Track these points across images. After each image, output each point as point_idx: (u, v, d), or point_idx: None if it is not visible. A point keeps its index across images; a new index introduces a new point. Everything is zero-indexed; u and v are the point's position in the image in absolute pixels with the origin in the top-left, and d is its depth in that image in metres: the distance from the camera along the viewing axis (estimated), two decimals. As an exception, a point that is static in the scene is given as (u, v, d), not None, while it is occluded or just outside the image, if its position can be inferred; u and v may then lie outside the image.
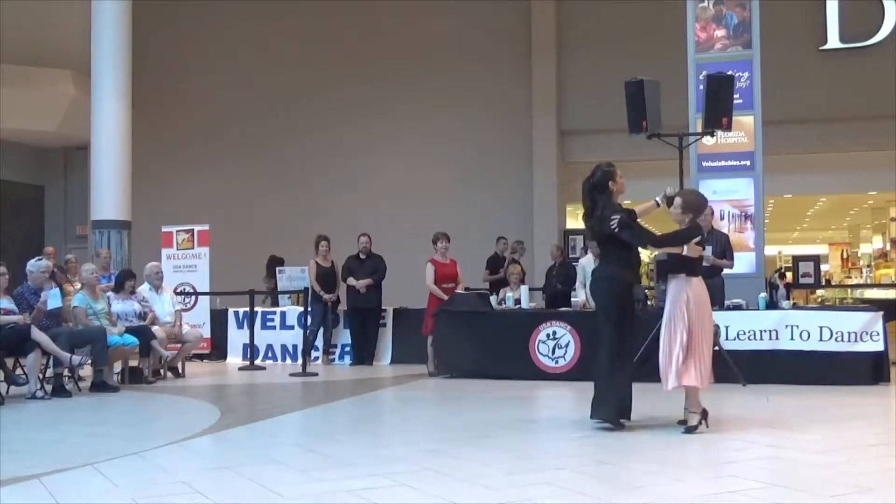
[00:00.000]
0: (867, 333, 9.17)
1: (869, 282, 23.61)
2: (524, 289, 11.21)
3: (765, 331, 9.46)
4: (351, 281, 12.48)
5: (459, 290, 11.36)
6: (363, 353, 12.52)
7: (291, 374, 11.22)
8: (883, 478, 4.91)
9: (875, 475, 5.00)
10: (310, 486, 4.75)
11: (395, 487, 4.66)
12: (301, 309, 12.48)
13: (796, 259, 15.64)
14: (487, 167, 17.64)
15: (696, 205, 6.66)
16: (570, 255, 16.09)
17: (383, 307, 12.74)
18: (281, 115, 18.37)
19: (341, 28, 18.21)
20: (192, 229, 13.62)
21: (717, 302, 9.93)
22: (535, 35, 17.52)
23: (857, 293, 18.90)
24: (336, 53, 18.18)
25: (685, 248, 6.42)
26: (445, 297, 11.11)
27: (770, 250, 16.64)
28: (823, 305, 14.17)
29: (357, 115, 18.04)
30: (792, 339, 9.35)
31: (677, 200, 6.60)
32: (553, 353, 10.11)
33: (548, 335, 10.17)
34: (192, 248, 13.52)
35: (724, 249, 10.43)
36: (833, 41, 16.25)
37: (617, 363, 6.50)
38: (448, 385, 10.01)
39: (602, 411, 6.53)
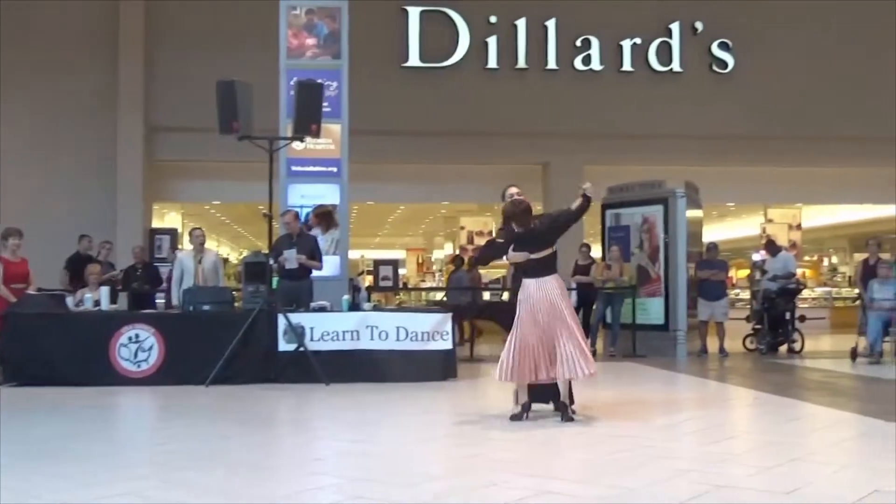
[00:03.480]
0: (438, 333, 9.89)
1: (441, 285, 25.49)
2: (104, 290, 10.64)
3: (347, 331, 9.82)
4: None
5: (31, 291, 10.52)
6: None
7: None
8: (447, 466, 5.35)
9: (443, 463, 5.44)
10: None
11: (-49, 510, 4.19)
12: None
13: (377, 263, 16.51)
14: (69, 163, 16.60)
15: (509, 213, 6.93)
16: (157, 256, 15.62)
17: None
18: None
19: None
20: None
21: (304, 303, 10.19)
22: (123, 32, 16.81)
23: (431, 296, 20.31)
24: None
25: (504, 257, 6.93)
26: (14, 299, 10.22)
27: (353, 254, 17.35)
28: (401, 307, 15.06)
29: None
30: (372, 339, 9.82)
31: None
32: (136, 356, 9.69)
33: (130, 338, 9.72)
34: None
35: (313, 251, 10.72)
36: (414, 59, 17.37)
37: None
38: (17, 394, 9.18)
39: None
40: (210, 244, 25.60)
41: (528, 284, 6.81)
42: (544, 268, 6.88)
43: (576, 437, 6.30)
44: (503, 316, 13.68)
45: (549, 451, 5.96)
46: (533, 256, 6.85)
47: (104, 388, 9.26)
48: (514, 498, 4.35)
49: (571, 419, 6.70)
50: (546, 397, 6.96)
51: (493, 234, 7.29)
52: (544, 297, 6.77)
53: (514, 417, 6.79)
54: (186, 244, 19.31)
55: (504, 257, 6.94)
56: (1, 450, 5.97)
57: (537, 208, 19.24)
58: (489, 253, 7.07)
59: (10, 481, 4.82)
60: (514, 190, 7.29)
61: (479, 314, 14.10)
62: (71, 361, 9.58)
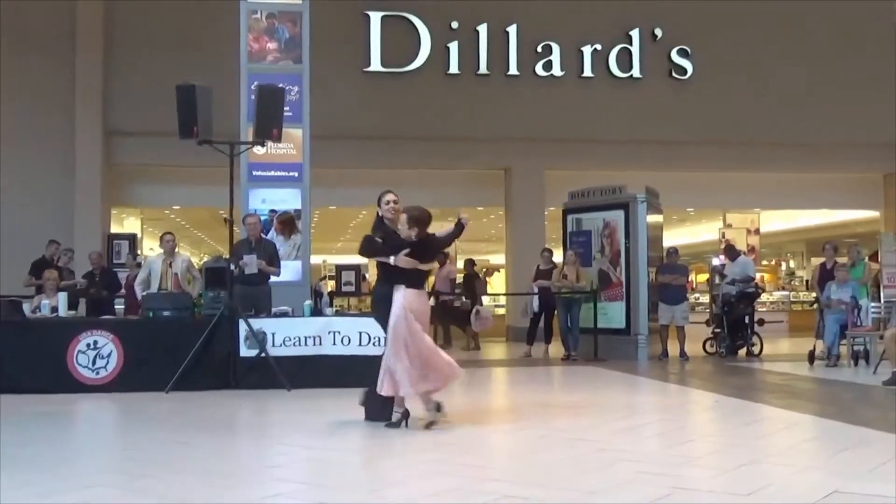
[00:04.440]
0: (402, 338, 9.85)
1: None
2: (62, 296, 10.48)
3: (309, 337, 9.77)
4: None
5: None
6: None
7: None
8: (411, 472, 5.33)
9: (405, 468, 5.43)
10: None
11: None
12: None
13: (339, 268, 16.42)
14: (26, 167, 16.36)
15: (422, 218, 6.90)
16: (116, 261, 15.45)
17: None
18: None
19: None
20: None
21: (265, 309, 10.12)
22: (80, 33, 16.61)
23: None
24: None
25: (392, 259, 6.70)
26: (-31, 306, 10.04)
27: (315, 259, 17.24)
28: (363, 312, 14.97)
29: None
30: (335, 344, 9.77)
31: (402, 217, 6.90)
32: (94, 363, 9.56)
33: (88, 345, 9.59)
34: None
35: (272, 257, 10.65)
36: (375, 64, 17.35)
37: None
38: (-29, 402, 9.03)
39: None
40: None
41: (410, 294, 6.71)
42: (424, 280, 7.02)
43: (537, 440, 6.32)
44: (461, 319, 13.44)
45: (511, 456, 5.97)
46: (421, 267, 6.87)
47: (62, 395, 9.12)
48: (478, 502, 4.35)
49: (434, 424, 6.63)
50: (384, 416, 6.81)
51: (373, 233, 7.21)
52: (427, 309, 6.93)
53: (393, 425, 6.68)
54: (147, 249, 19.22)
55: (392, 259, 6.79)
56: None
57: (499, 213, 19.39)
58: (379, 249, 6.95)
59: (-36, 491, 4.73)
60: (391, 196, 7.25)
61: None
62: (28, 369, 9.41)
